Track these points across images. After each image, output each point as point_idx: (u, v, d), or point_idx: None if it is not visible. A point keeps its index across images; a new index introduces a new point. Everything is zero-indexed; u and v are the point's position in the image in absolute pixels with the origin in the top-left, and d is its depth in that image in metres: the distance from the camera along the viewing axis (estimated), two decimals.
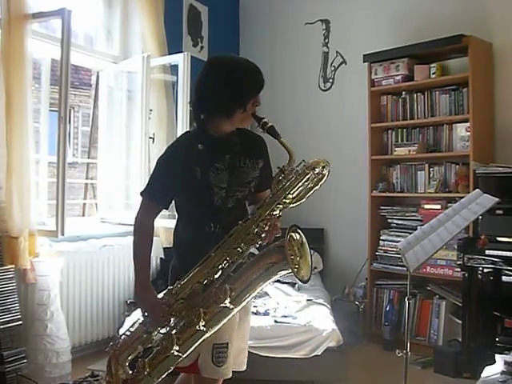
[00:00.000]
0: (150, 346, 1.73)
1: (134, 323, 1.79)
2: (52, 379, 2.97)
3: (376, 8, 4.34)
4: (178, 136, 1.99)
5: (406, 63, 3.91)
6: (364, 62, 4.08)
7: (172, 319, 1.72)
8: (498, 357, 2.36)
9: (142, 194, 1.87)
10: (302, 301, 3.34)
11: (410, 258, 2.23)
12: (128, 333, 1.78)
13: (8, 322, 2.83)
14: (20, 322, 2.90)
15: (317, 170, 1.72)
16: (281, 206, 1.73)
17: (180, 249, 1.91)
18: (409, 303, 2.31)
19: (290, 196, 1.72)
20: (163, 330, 1.72)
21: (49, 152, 3.50)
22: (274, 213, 1.72)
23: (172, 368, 1.72)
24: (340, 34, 4.61)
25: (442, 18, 3.92)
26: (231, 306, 1.66)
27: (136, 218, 1.86)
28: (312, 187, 1.73)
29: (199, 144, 1.79)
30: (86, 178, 7.81)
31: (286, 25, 4.92)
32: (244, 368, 2.03)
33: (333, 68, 4.66)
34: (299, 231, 1.72)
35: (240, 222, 1.73)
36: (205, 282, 1.71)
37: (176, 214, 1.93)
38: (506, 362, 2.27)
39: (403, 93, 4.04)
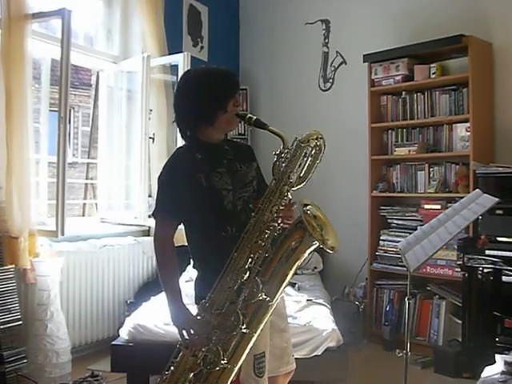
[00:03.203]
0: (199, 369, 1.65)
1: (177, 351, 1.72)
2: (52, 379, 2.97)
3: (376, 8, 4.34)
4: (173, 152, 1.97)
5: (405, 63, 3.91)
6: (364, 62, 4.08)
7: (214, 333, 1.65)
8: (498, 357, 2.36)
9: (153, 215, 1.86)
10: (302, 301, 3.33)
11: (410, 258, 2.23)
12: (173, 363, 1.71)
13: (8, 322, 2.83)
14: (20, 322, 2.90)
15: (312, 144, 1.73)
16: (287, 187, 1.71)
17: (202, 262, 1.86)
18: (409, 303, 2.30)
19: (294, 175, 1.71)
20: (208, 348, 1.65)
21: (49, 152, 3.50)
22: (284, 196, 1.71)
23: None
24: (340, 34, 4.60)
25: (442, 18, 3.92)
26: (268, 299, 1.62)
27: (154, 240, 1.84)
28: (313, 162, 1.74)
29: (196, 153, 1.81)
30: (86, 178, 7.82)
31: (286, 25, 4.92)
32: (294, 367, 2.02)
33: (333, 68, 4.66)
34: (309, 206, 1.71)
35: (253, 214, 1.70)
36: (236, 286, 1.66)
37: (187, 230, 1.88)
38: (506, 362, 2.27)
39: (403, 93, 4.04)
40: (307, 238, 1.65)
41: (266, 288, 1.63)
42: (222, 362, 1.61)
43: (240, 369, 1.72)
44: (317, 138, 1.73)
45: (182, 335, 1.71)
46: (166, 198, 1.82)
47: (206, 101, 1.75)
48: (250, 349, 1.67)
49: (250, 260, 1.66)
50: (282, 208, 1.70)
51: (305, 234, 1.65)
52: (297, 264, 1.69)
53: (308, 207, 1.71)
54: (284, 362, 1.97)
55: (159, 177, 1.84)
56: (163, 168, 1.85)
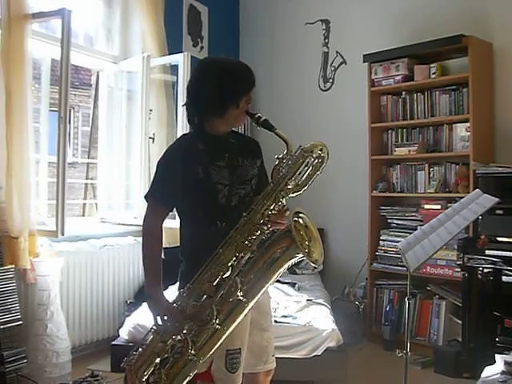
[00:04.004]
0: (166, 355, 1.68)
1: (148, 334, 1.74)
2: (52, 379, 2.97)
3: (376, 8, 4.34)
4: (176, 138, 1.99)
5: (406, 63, 3.91)
6: (364, 62, 4.08)
7: (186, 323, 1.68)
8: (498, 357, 2.36)
9: (146, 197, 1.86)
10: (302, 301, 3.34)
11: (410, 258, 2.23)
12: (142, 346, 1.73)
13: (8, 322, 2.83)
14: (20, 322, 2.90)
15: (315, 154, 1.73)
16: (283, 193, 1.71)
17: (188, 252, 1.87)
18: (409, 303, 2.30)
19: (292, 182, 1.72)
20: (179, 337, 1.67)
21: (49, 152, 3.50)
22: (278, 202, 1.71)
23: (192, 375, 1.67)
24: (340, 34, 4.60)
25: (442, 18, 3.92)
26: (244, 300, 1.63)
27: (143, 222, 1.85)
28: (314, 172, 1.73)
29: (198, 144, 1.81)
30: (86, 178, 7.82)
31: (286, 25, 4.92)
32: (274, 366, 2.01)
33: (333, 68, 4.66)
34: (302, 215, 1.71)
35: (244, 214, 1.71)
36: (216, 281, 1.67)
37: (180, 219, 1.90)
38: (506, 362, 2.28)
39: (403, 93, 4.04)
40: (293, 247, 1.65)
41: (244, 289, 1.63)
42: (190, 352, 1.62)
43: (212, 361, 1.74)
44: (321, 150, 1.73)
45: (155, 319, 1.73)
46: (161, 182, 1.83)
47: (221, 93, 1.75)
48: (224, 343, 1.68)
49: (234, 258, 1.68)
50: (274, 213, 1.71)
51: (292, 244, 1.65)
52: (280, 271, 1.69)
53: (301, 215, 1.72)
54: (262, 360, 1.95)
55: (159, 160, 1.85)
56: (164, 152, 1.86)
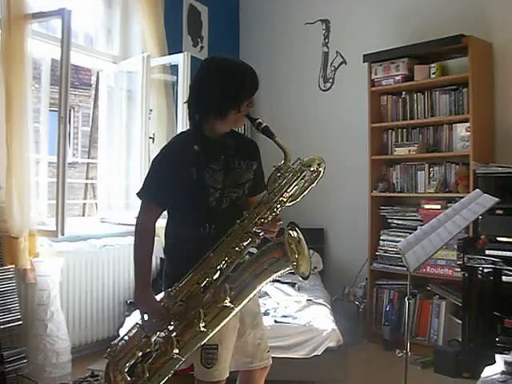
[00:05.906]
0: (149, 350, 1.71)
1: (132, 328, 1.77)
2: (52, 379, 2.97)
3: (376, 8, 4.34)
4: (173, 137, 1.99)
5: (406, 63, 3.91)
6: (364, 62, 4.08)
7: (171, 322, 1.71)
8: (498, 357, 2.36)
9: (138, 195, 1.89)
10: (302, 301, 3.34)
11: (410, 258, 2.23)
12: (126, 338, 1.77)
13: (8, 321, 2.83)
14: (20, 322, 2.90)
15: (312, 168, 1.74)
16: (278, 205, 1.74)
17: (173, 252, 1.89)
18: (409, 303, 2.30)
19: (287, 194, 1.73)
20: (162, 334, 1.71)
21: (49, 152, 3.50)
22: (273, 212, 1.74)
23: (172, 372, 1.71)
24: (340, 34, 4.60)
25: (442, 18, 3.92)
26: (231, 306, 1.66)
27: (136, 220, 1.86)
28: (308, 185, 1.75)
29: (194, 145, 1.81)
30: (86, 178, 7.82)
31: (285, 25, 4.92)
32: (270, 362, 2.02)
33: (333, 68, 4.66)
34: (297, 229, 1.73)
35: (238, 221, 1.73)
36: (204, 284, 1.70)
37: (168, 217, 1.92)
38: (506, 362, 2.27)
39: (403, 93, 4.04)
40: (284, 259, 1.67)
41: (232, 295, 1.66)
42: (174, 352, 1.65)
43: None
44: (319, 164, 1.74)
45: (142, 316, 1.76)
46: (155, 182, 1.85)
47: (223, 96, 1.74)
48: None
49: (223, 262, 1.71)
50: (267, 221, 1.73)
51: (282, 256, 1.68)
52: (267, 281, 1.72)
53: (296, 229, 1.73)
54: (257, 358, 1.98)
55: (154, 158, 1.87)
56: (160, 151, 1.87)
